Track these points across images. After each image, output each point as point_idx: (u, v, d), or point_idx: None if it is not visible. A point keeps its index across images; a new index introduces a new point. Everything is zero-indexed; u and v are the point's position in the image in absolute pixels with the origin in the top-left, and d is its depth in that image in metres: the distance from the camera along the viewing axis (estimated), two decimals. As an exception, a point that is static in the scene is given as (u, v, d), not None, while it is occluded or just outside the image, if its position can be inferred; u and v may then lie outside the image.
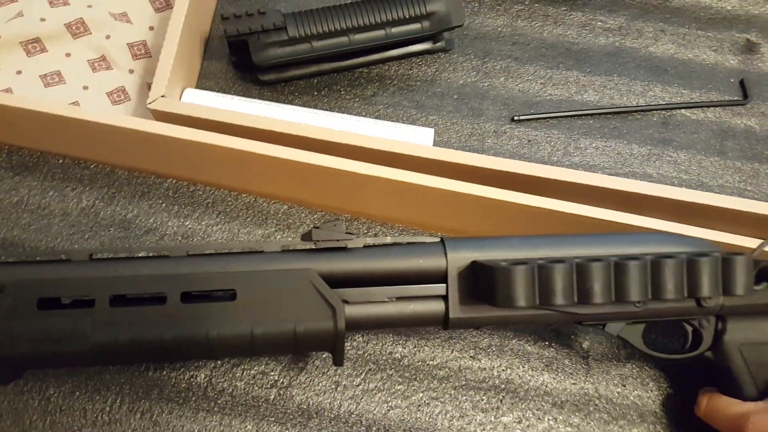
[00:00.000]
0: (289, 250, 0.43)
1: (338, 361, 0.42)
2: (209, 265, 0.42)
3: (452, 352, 0.51)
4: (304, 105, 0.60)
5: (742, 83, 0.65)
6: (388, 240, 0.45)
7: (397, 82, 0.62)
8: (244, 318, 0.40)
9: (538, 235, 0.45)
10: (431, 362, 0.50)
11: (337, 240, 0.44)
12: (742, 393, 0.46)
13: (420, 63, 0.63)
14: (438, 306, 0.42)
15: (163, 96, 0.52)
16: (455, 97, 0.62)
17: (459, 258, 0.43)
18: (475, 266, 0.42)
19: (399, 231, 0.56)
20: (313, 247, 0.44)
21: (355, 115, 0.59)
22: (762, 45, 0.67)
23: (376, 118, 0.60)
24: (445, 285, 0.42)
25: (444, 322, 0.42)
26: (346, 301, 0.42)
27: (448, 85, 0.62)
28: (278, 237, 0.53)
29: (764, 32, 0.67)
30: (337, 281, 0.42)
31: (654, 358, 0.47)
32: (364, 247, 0.44)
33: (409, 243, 0.45)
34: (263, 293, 0.41)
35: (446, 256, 0.43)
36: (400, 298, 0.43)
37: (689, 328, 0.46)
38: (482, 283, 0.41)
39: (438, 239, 0.44)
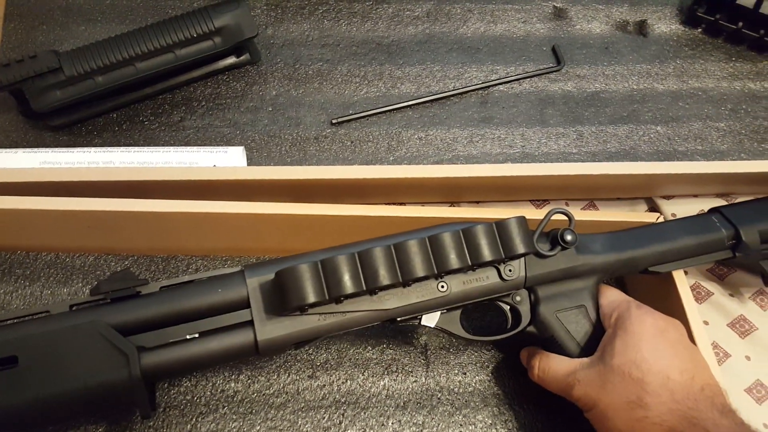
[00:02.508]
0: (78, 307, 0.41)
1: (144, 412, 0.40)
2: None
3: (288, 375, 0.49)
4: (104, 143, 0.56)
5: (554, 50, 0.67)
6: (186, 278, 0.43)
7: (205, 102, 0.59)
8: (29, 383, 0.38)
9: (342, 245, 0.44)
10: (267, 391, 0.48)
11: (129, 288, 0.42)
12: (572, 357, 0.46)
13: (228, 79, 0.61)
14: (246, 333, 0.41)
15: None
16: (269, 109, 0.60)
17: (260, 281, 0.41)
18: (273, 283, 0.41)
19: (223, 261, 0.53)
20: (103, 299, 0.41)
21: (162, 145, 0.57)
22: (569, 9, 0.69)
23: (185, 144, 0.57)
24: (248, 310, 0.41)
25: (255, 347, 0.41)
26: (143, 347, 0.40)
27: (261, 98, 0.60)
28: (86, 291, 0.50)
29: (569, -3, 0.69)
30: (135, 329, 0.40)
31: (479, 343, 0.47)
32: (161, 289, 0.42)
33: (209, 278, 0.43)
34: (49, 355, 0.39)
35: (246, 282, 0.41)
36: (204, 334, 0.41)
37: (506, 307, 0.46)
38: (279, 295, 0.40)
39: (239, 268, 0.43)
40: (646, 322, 0.43)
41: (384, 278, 0.39)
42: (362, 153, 0.59)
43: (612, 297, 0.47)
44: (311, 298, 0.38)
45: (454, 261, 0.41)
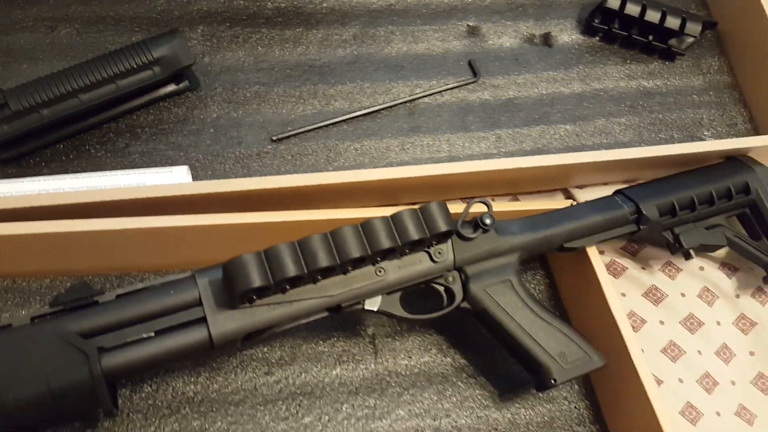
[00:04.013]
0: (39, 319, 0.43)
1: (107, 409, 0.42)
2: None
3: (246, 373, 0.52)
4: (52, 173, 0.58)
5: (470, 63, 0.74)
6: (140, 285, 0.46)
7: (148, 128, 0.63)
8: None
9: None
10: (226, 390, 0.51)
11: (86, 297, 0.44)
12: (504, 328, 0.51)
13: (169, 106, 0.64)
14: (200, 328, 0.44)
15: None
16: (211, 131, 0.64)
17: (210, 280, 0.45)
18: (222, 280, 0.45)
19: (175, 275, 0.56)
20: (62, 309, 0.44)
21: (109, 170, 0.59)
22: (481, 27, 0.76)
23: (132, 168, 0.60)
24: (201, 307, 0.44)
25: (209, 341, 0.44)
26: (103, 348, 0.43)
27: (202, 121, 0.64)
28: (43, 312, 0.52)
29: (480, 16, 0.76)
30: (95, 334, 0.43)
31: (418, 322, 0.51)
32: (117, 297, 0.45)
33: (162, 283, 0.46)
34: (13, 362, 0.41)
35: (197, 283, 0.45)
36: (160, 332, 0.44)
37: (440, 288, 0.51)
38: (227, 288, 0.44)
39: (189, 273, 0.46)
40: None
41: (323, 260, 0.44)
42: (303, 166, 0.64)
43: None
44: (256, 282, 0.42)
45: (384, 241, 0.45)
